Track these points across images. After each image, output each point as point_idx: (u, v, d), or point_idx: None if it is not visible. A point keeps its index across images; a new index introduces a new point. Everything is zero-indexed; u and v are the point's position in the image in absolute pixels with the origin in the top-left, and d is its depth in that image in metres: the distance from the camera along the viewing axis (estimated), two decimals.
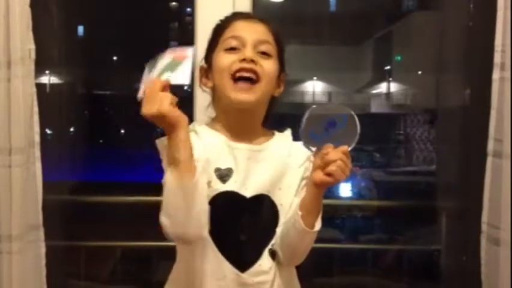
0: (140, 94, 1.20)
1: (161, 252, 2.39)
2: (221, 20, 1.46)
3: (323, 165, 1.24)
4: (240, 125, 1.40)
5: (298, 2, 3.68)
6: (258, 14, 1.97)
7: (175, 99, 1.19)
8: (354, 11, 3.80)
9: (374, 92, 4.21)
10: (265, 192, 1.36)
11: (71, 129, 2.80)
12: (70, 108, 2.60)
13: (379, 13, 3.70)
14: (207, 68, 1.44)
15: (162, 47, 1.29)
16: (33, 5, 1.80)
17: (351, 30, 3.79)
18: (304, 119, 1.27)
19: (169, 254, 1.45)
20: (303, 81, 5.24)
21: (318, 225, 1.31)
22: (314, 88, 5.43)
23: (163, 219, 1.22)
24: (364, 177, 3.47)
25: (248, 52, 1.35)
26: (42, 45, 1.86)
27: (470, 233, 1.99)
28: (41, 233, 1.86)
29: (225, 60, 1.37)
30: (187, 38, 2.04)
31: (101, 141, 5.21)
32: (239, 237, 1.35)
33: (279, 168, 1.38)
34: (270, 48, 1.39)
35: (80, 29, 3.45)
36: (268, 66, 1.36)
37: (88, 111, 3.44)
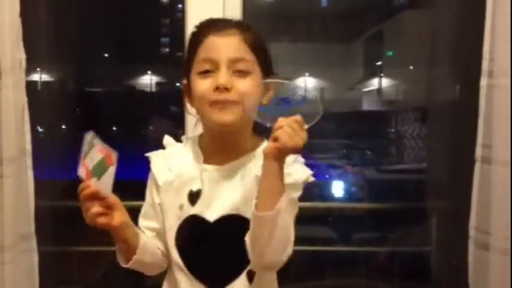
0: (79, 173, 1.22)
1: None
2: (193, 34, 1.37)
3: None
4: (226, 142, 1.35)
5: None
6: (248, 11, 1.96)
7: (104, 205, 1.22)
8: (345, 9, 3.81)
9: (366, 89, 4.23)
10: (234, 212, 1.30)
11: (63, 127, 2.79)
12: (62, 106, 2.60)
13: (370, 11, 3.70)
14: (188, 85, 1.37)
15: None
16: (23, 3, 1.80)
17: (342, 28, 3.79)
18: None
19: None
20: (294, 77, 5.24)
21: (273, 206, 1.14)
22: (306, 84, 5.44)
23: None
24: (355, 176, 3.48)
25: (221, 78, 1.27)
26: (32, 42, 1.87)
27: (460, 233, 2.00)
28: (34, 242, 1.87)
29: (200, 87, 1.30)
30: (177, 35, 2.04)
31: None
32: (209, 260, 1.32)
33: (250, 186, 1.29)
34: (247, 64, 1.29)
35: (71, 26, 3.43)
36: (244, 86, 1.27)
37: (80, 108, 3.42)
